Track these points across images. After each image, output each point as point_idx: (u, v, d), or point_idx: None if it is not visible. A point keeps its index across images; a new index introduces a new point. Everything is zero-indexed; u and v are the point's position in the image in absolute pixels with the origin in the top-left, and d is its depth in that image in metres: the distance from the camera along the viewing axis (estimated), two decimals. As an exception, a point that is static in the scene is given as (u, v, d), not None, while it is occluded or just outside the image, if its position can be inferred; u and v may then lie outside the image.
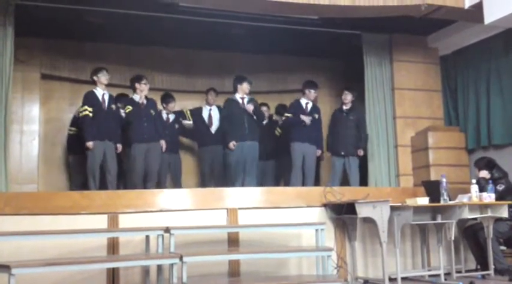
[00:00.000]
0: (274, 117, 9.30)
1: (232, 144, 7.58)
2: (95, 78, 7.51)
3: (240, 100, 7.82)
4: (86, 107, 7.37)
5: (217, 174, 8.64)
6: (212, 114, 8.81)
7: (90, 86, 7.67)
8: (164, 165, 8.23)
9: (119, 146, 7.55)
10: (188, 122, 8.78)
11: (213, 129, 8.77)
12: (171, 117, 8.73)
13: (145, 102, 7.66)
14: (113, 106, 7.58)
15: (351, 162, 8.20)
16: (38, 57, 8.60)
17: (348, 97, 8.39)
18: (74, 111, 8.68)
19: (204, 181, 8.74)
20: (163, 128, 8.09)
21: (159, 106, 8.53)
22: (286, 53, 9.58)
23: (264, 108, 8.97)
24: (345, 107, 8.43)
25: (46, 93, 8.84)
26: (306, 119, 8.05)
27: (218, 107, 8.83)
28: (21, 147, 8.29)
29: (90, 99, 7.42)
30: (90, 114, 7.34)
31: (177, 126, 8.79)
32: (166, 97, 8.76)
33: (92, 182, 7.20)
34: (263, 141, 8.33)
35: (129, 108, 7.57)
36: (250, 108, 7.75)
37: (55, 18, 7.75)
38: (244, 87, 7.81)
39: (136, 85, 7.69)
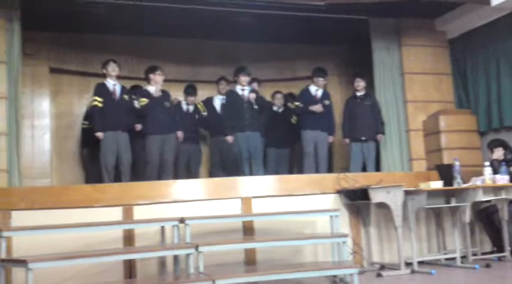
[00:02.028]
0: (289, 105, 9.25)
1: (229, 138, 7.67)
2: (104, 71, 7.50)
3: (240, 92, 7.84)
4: (95, 97, 7.37)
5: (228, 163, 8.63)
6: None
7: (99, 79, 7.67)
8: (184, 156, 8.23)
9: (138, 126, 7.52)
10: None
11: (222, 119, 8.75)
12: (191, 108, 8.72)
13: (160, 93, 7.62)
14: (126, 96, 7.55)
15: (370, 147, 8.18)
16: (45, 51, 8.59)
17: (360, 84, 8.34)
18: (84, 104, 8.70)
19: (214, 172, 8.72)
20: (182, 119, 8.07)
21: (180, 97, 8.62)
22: (293, 41, 9.52)
23: (278, 96, 8.96)
24: (358, 94, 8.37)
25: (55, 87, 8.84)
26: (316, 108, 8.02)
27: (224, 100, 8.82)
28: (33, 141, 8.30)
29: (101, 90, 7.41)
30: (100, 105, 7.32)
31: (197, 116, 8.77)
32: (189, 89, 8.77)
33: (105, 174, 7.19)
34: (278, 129, 8.32)
35: (144, 100, 7.52)
36: (252, 96, 7.74)
37: (61, 11, 7.72)
38: (242, 79, 7.85)
39: (151, 76, 7.65)
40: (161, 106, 7.62)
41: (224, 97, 8.66)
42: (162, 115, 7.58)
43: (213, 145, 8.86)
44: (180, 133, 7.80)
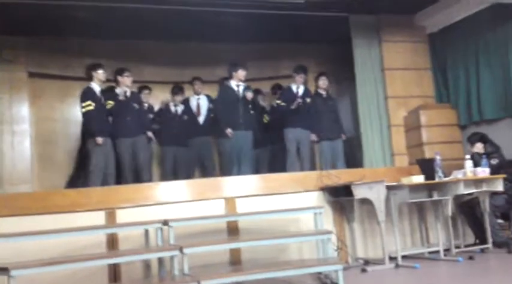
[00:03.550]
0: (261, 104, 9.26)
1: (229, 132, 7.51)
2: (94, 73, 7.37)
3: (236, 88, 7.73)
4: (89, 102, 7.22)
5: (207, 165, 8.64)
6: (200, 104, 8.80)
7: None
8: (170, 158, 8.25)
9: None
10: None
11: (201, 119, 8.76)
12: (179, 108, 8.68)
13: (128, 95, 7.55)
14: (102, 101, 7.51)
15: (339, 145, 8.25)
16: (23, 56, 8.54)
17: (326, 82, 8.42)
18: (64, 108, 8.66)
19: (189, 174, 8.66)
20: (168, 120, 8.01)
21: (168, 97, 8.66)
22: (275, 40, 9.53)
23: (260, 96, 8.98)
24: (321, 92, 8.43)
25: (34, 92, 8.76)
26: (295, 105, 8.02)
27: (207, 96, 8.80)
28: (13, 147, 8.23)
29: (91, 94, 7.29)
30: (94, 109, 7.21)
31: (186, 117, 8.73)
32: (175, 89, 8.77)
33: (95, 180, 7.09)
34: (256, 129, 8.33)
35: (111, 103, 7.47)
36: (249, 96, 7.66)
37: (39, 15, 7.67)
38: (240, 74, 7.70)
39: (119, 78, 7.61)
40: (129, 108, 7.55)
41: (200, 96, 8.66)
42: (130, 117, 7.51)
43: (191, 147, 8.77)
44: (150, 134, 7.77)
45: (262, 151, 8.90)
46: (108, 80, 8.10)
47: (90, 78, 7.42)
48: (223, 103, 7.72)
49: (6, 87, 8.22)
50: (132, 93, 7.71)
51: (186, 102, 8.95)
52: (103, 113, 7.37)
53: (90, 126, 7.28)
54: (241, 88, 7.72)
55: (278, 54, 9.87)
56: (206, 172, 8.59)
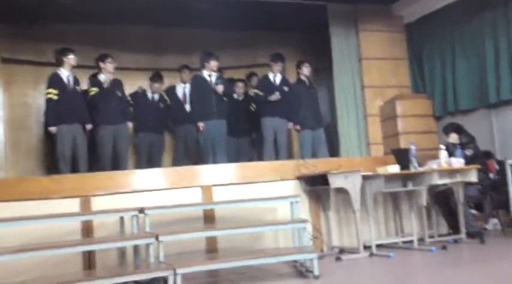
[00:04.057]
0: (250, 93, 9.24)
1: (201, 127, 7.52)
2: (64, 59, 7.22)
3: (208, 78, 7.70)
4: (50, 90, 7.13)
5: (192, 152, 8.61)
6: (187, 92, 8.73)
7: (54, 68, 7.47)
8: (145, 146, 8.17)
9: (88, 126, 7.36)
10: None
11: (188, 106, 8.70)
12: (156, 96, 8.63)
13: (109, 82, 7.45)
14: (78, 88, 7.40)
15: (321, 135, 8.23)
16: (-4, 41, 8.38)
17: (309, 70, 8.35)
18: (38, 94, 8.54)
19: (178, 160, 8.65)
20: (145, 108, 7.97)
21: (145, 86, 8.55)
22: (253, 28, 9.50)
23: (239, 84, 8.93)
24: (304, 79, 8.37)
25: (8, 77, 8.58)
26: (274, 98, 8.00)
27: (190, 85, 8.74)
28: (-14, 133, 8.12)
29: (56, 81, 7.17)
30: (55, 97, 7.10)
31: (162, 105, 8.68)
32: (154, 77, 8.67)
33: (63, 167, 7.04)
34: (238, 118, 8.30)
35: (94, 90, 7.39)
36: (219, 89, 7.63)
37: (11, 1, 7.51)
38: (212, 64, 7.66)
39: (101, 64, 7.49)
40: (112, 95, 7.48)
41: (186, 85, 8.61)
42: (113, 104, 7.45)
43: (178, 134, 8.77)
44: (129, 124, 7.72)
45: (243, 141, 8.90)
46: (81, 66, 8.02)
47: (59, 64, 7.26)
48: (198, 95, 7.69)
49: (-21, 73, 8.06)
50: (114, 80, 7.59)
51: (172, 89, 8.88)
52: (70, 99, 7.21)
53: (46, 115, 7.25)
54: (213, 78, 7.69)
55: (255, 42, 9.83)
56: (192, 157, 8.54)
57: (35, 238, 5.22)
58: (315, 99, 8.39)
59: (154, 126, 8.39)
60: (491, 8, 7.77)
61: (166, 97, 8.84)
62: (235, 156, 8.48)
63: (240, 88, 8.96)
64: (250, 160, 8.73)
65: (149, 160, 8.45)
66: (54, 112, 7.12)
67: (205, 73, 7.72)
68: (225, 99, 7.79)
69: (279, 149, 7.98)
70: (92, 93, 7.40)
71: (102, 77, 7.48)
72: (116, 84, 7.63)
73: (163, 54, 9.48)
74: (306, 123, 8.19)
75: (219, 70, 8.32)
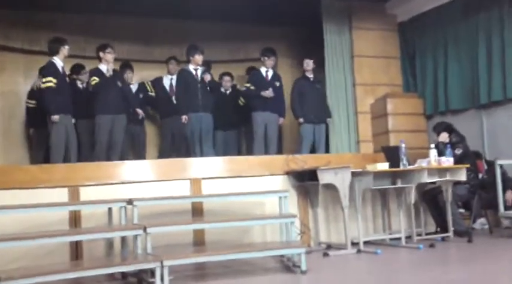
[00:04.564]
0: (238, 87, 9.23)
1: (184, 119, 7.53)
2: (61, 48, 7.13)
3: (194, 71, 7.69)
4: (50, 78, 7.01)
5: (179, 144, 8.59)
6: (174, 84, 8.71)
7: (46, 57, 7.43)
8: (128, 137, 8.15)
9: (55, 117, 7.11)
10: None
11: (175, 98, 8.68)
12: (134, 87, 8.58)
13: (111, 72, 7.43)
14: (67, 78, 7.38)
15: (321, 129, 8.24)
16: (-13, 28, 8.32)
17: (310, 63, 8.34)
18: (29, 83, 8.47)
19: (165, 152, 8.65)
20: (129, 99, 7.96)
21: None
22: (246, 22, 9.45)
23: (226, 78, 8.92)
24: (309, 75, 8.37)
25: (-1, 65, 8.59)
26: (267, 94, 8.00)
27: (176, 79, 8.72)
28: (-24, 121, 8.09)
29: (53, 70, 7.09)
30: (54, 86, 7.01)
31: (141, 95, 8.65)
32: (123, 67, 8.58)
33: (56, 157, 6.97)
34: (226, 111, 8.30)
35: (95, 79, 7.34)
36: (207, 77, 7.64)
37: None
38: (197, 58, 7.65)
39: (101, 54, 7.45)
40: (113, 85, 7.46)
41: (173, 77, 8.59)
42: (113, 94, 7.43)
43: (164, 126, 8.77)
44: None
45: (231, 134, 8.90)
46: (75, 56, 7.98)
47: (54, 53, 7.17)
48: (183, 88, 7.70)
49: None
50: (115, 70, 7.58)
51: (159, 81, 8.86)
52: (65, 90, 7.19)
53: (46, 103, 7.10)
54: (199, 72, 7.69)
55: (248, 36, 9.81)
56: (178, 151, 8.54)
57: (23, 227, 5.22)
58: (318, 95, 8.35)
59: (134, 117, 8.30)
60: (485, 9, 7.80)
61: (149, 87, 8.82)
62: (222, 149, 8.49)
63: (227, 81, 8.93)
64: (238, 153, 8.73)
65: (133, 152, 8.45)
66: (55, 101, 7.04)
67: (191, 67, 7.72)
68: (222, 90, 7.81)
69: (269, 144, 7.99)
70: (94, 82, 7.35)
71: (102, 67, 7.44)
72: (117, 74, 7.61)
73: (155, 46, 9.45)
74: (308, 118, 8.19)
75: (208, 63, 8.35)
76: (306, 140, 8.17)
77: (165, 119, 8.72)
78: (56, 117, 6.99)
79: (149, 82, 8.89)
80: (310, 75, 8.37)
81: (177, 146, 8.57)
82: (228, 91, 8.93)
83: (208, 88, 7.73)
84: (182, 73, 7.80)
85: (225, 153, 8.21)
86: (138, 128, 8.56)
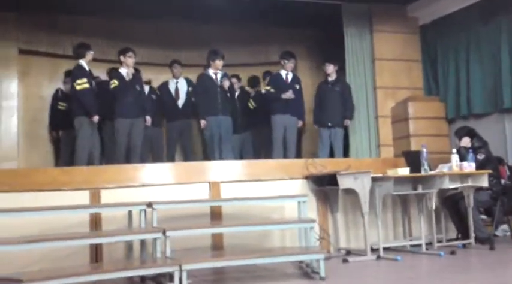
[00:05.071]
0: (247, 89, 9.22)
1: (202, 124, 7.57)
2: (87, 52, 7.27)
3: (213, 76, 7.72)
4: (84, 80, 7.17)
5: (186, 148, 8.63)
6: (179, 87, 8.78)
7: (70, 61, 7.57)
8: (147, 140, 8.20)
9: (95, 118, 7.31)
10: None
11: (180, 102, 8.75)
12: (147, 89, 8.60)
13: (131, 76, 7.49)
14: (93, 82, 7.46)
15: (337, 133, 8.21)
16: (14, 32, 8.46)
17: (330, 68, 8.35)
18: (54, 86, 8.57)
19: (171, 156, 8.67)
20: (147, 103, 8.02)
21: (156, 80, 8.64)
22: (266, 24, 9.50)
23: (233, 80, 8.91)
24: (329, 79, 8.38)
25: (24, 68, 8.71)
26: (288, 95, 7.98)
27: (186, 79, 8.77)
28: (0, 123, 8.19)
29: (84, 72, 7.24)
30: (88, 86, 7.18)
31: (154, 97, 8.69)
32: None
33: (82, 159, 7.07)
34: (236, 114, 8.31)
35: (115, 82, 7.42)
36: (226, 84, 7.66)
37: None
38: (217, 63, 7.69)
39: (121, 58, 7.54)
40: (132, 89, 7.53)
41: (178, 80, 8.65)
42: (132, 98, 7.50)
43: (170, 131, 8.78)
44: (149, 119, 7.73)
45: (245, 136, 8.90)
46: (103, 60, 8.09)
47: (80, 57, 7.30)
48: (203, 93, 7.73)
49: (-4, 63, 8.15)
50: (134, 74, 7.63)
51: (165, 85, 8.90)
52: (92, 92, 7.32)
53: (85, 104, 7.19)
54: (219, 76, 7.72)
55: (268, 39, 9.84)
56: (186, 155, 8.57)
57: (44, 229, 5.26)
58: (336, 99, 8.32)
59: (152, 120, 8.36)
60: (507, 12, 7.71)
61: (157, 91, 8.89)
62: (238, 152, 8.50)
63: (234, 84, 8.92)
64: (254, 156, 8.71)
65: (151, 154, 8.49)
66: (93, 101, 7.18)
67: (210, 71, 7.76)
68: (236, 93, 7.88)
69: (288, 147, 7.98)
70: (113, 85, 7.43)
71: (122, 70, 7.52)
72: (136, 78, 7.68)
73: (175, 49, 9.49)
74: (324, 122, 8.20)
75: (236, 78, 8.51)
76: (323, 144, 8.18)
77: (171, 123, 8.76)
78: (96, 118, 7.16)
79: (155, 87, 8.95)
80: (330, 79, 8.36)
81: (185, 150, 8.62)
82: (236, 94, 8.92)
83: (228, 94, 7.73)
84: (202, 78, 7.84)
85: (241, 156, 8.24)
86: (157, 130, 8.59)
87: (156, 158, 8.42)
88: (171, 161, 8.28)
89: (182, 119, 8.54)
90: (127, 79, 7.46)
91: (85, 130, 7.19)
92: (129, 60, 7.53)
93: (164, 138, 8.87)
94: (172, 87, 8.84)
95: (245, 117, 8.76)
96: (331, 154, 8.07)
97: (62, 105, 8.37)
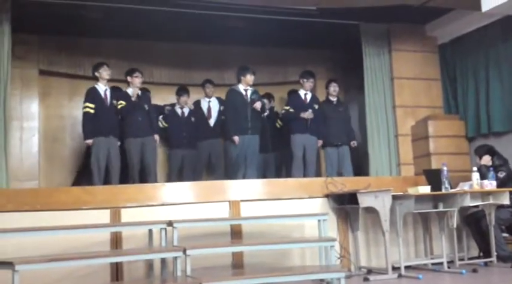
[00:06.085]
0: (276, 109, 9.26)
1: (236, 139, 7.47)
2: (96, 74, 7.47)
3: (244, 92, 7.69)
4: (87, 104, 7.36)
5: (216, 167, 8.64)
6: (211, 106, 8.81)
7: (89, 81, 7.68)
8: (177, 162, 8.31)
9: (118, 142, 7.55)
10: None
11: (212, 121, 8.76)
12: (186, 111, 8.68)
13: (137, 96, 7.60)
14: (114, 101, 7.57)
15: (345, 152, 8.24)
16: (35, 53, 8.59)
17: (336, 89, 8.46)
18: (73, 107, 8.70)
19: (201, 176, 8.70)
20: (176, 122, 8.14)
21: (174, 100, 8.61)
22: (285, 45, 9.53)
23: (265, 100, 8.94)
24: (332, 98, 8.46)
25: (44, 89, 8.83)
26: (307, 115, 7.99)
27: (218, 98, 8.81)
28: (22, 143, 8.28)
29: (92, 95, 7.40)
30: (92, 111, 7.32)
31: (193, 119, 8.73)
32: (180, 91, 8.75)
33: (96, 178, 7.18)
34: (265, 133, 8.31)
35: (122, 103, 7.53)
36: (258, 106, 7.63)
37: (51, 14, 7.71)
38: (248, 78, 7.66)
39: (128, 78, 7.68)
40: (140, 108, 7.61)
41: (210, 99, 8.70)
42: (140, 118, 7.58)
43: (201, 150, 8.77)
44: (156, 137, 7.76)
45: (270, 156, 8.89)
46: (115, 80, 8.14)
47: (95, 78, 7.50)
48: (232, 109, 7.70)
49: (18, 84, 8.28)
50: (142, 93, 7.77)
51: (197, 104, 8.94)
52: (107, 113, 7.42)
53: (83, 127, 7.46)
54: (249, 93, 7.70)
55: (287, 59, 9.87)
56: (215, 174, 8.58)
57: (65, 248, 5.30)
58: (341, 118, 8.39)
59: (186, 141, 8.44)
60: (526, 30, 7.70)
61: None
62: (262, 172, 8.48)
63: (265, 104, 8.96)
64: (277, 176, 8.71)
65: (180, 175, 8.50)
66: (91, 125, 7.32)
67: (240, 87, 7.73)
68: (264, 114, 7.91)
69: (308, 166, 7.97)
70: (120, 106, 7.53)
71: (129, 91, 7.62)
72: (144, 97, 7.76)
73: (194, 70, 9.56)
74: (331, 141, 8.22)
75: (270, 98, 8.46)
76: (330, 163, 8.19)
77: (202, 142, 8.74)
78: (89, 141, 7.28)
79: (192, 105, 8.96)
80: (333, 99, 8.42)
81: (214, 169, 8.63)
82: (265, 114, 8.95)
83: (259, 112, 7.74)
84: (231, 93, 7.78)
85: (264, 176, 8.22)
86: (189, 152, 8.59)
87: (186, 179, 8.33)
88: (199, 179, 8.30)
89: (213, 138, 8.55)
90: (134, 99, 7.54)
91: (96, 150, 7.29)
92: (136, 80, 7.66)
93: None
94: (204, 106, 8.88)
95: (272, 136, 8.75)
96: (338, 173, 8.03)
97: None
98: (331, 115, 8.34)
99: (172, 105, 8.69)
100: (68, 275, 5.31)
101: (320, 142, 8.23)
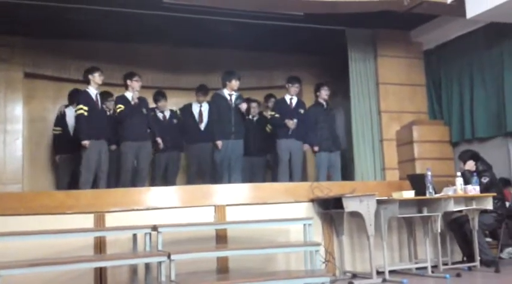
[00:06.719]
0: (265, 113, 9.27)
1: (219, 144, 7.51)
2: (90, 76, 7.36)
3: (228, 97, 7.70)
4: (81, 106, 7.27)
5: (205, 171, 8.63)
6: (203, 110, 8.79)
7: (75, 85, 7.63)
8: (161, 164, 8.29)
9: (112, 147, 7.59)
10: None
11: (203, 126, 8.74)
12: (167, 114, 8.67)
13: (137, 100, 7.57)
14: (104, 105, 7.57)
15: (336, 157, 8.24)
16: (20, 56, 8.55)
17: (328, 92, 8.40)
18: (58, 110, 8.62)
19: (191, 179, 8.68)
20: (160, 127, 8.08)
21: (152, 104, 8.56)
22: (272, 50, 9.58)
23: (253, 104, 8.95)
24: (322, 102, 8.41)
25: (29, 92, 8.78)
26: (290, 124, 7.97)
27: (209, 103, 8.81)
28: (5, 146, 8.23)
29: (85, 98, 7.33)
30: (86, 113, 7.24)
31: (175, 121, 8.72)
32: (156, 96, 8.71)
33: (87, 181, 7.12)
34: (253, 138, 8.32)
35: (121, 107, 7.50)
36: (243, 107, 7.64)
37: (37, 16, 7.70)
38: (233, 83, 7.67)
39: (128, 82, 7.62)
40: (138, 113, 7.59)
41: (202, 104, 8.68)
42: (138, 122, 7.56)
43: (191, 153, 8.80)
44: (160, 140, 7.78)
45: (257, 160, 8.90)
46: (105, 84, 8.10)
47: (88, 82, 7.41)
48: (217, 114, 7.71)
49: (2, 86, 8.25)
50: (140, 97, 7.71)
51: (187, 107, 8.94)
52: (98, 116, 7.37)
53: (77, 129, 7.39)
54: (233, 98, 7.71)
55: (273, 64, 9.90)
56: (203, 178, 8.57)
57: (48, 252, 5.24)
58: (332, 122, 8.41)
59: (172, 144, 8.42)
60: (509, 37, 7.76)
61: (179, 113, 8.90)
62: (249, 176, 8.48)
63: (254, 108, 8.98)
64: (264, 180, 8.72)
65: (164, 178, 8.48)
66: (86, 127, 7.24)
67: (225, 92, 7.73)
68: (249, 117, 7.93)
69: (294, 171, 7.97)
70: (119, 110, 7.51)
71: (128, 95, 7.59)
72: (142, 102, 7.74)
73: (181, 74, 9.56)
74: (323, 145, 8.21)
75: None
76: (320, 168, 8.19)
77: (192, 146, 8.75)
78: (85, 143, 7.15)
79: (178, 110, 8.97)
80: (324, 102, 8.41)
81: (203, 173, 8.62)
82: (255, 118, 8.97)
83: (243, 116, 7.74)
84: (216, 98, 7.80)
85: (251, 180, 8.22)
86: (173, 154, 8.61)
87: (169, 183, 8.34)
88: (189, 183, 8.28)
89: (203, 142, 8.54)
90: (132, 103, 7.51)
91: (89, 153, 7.21)
92: (136, 84, 7.61)
93: (180, 164, 8.85)
94: (195, 110, 8.87)
95: (260, 141, 8.76)
96: (328, 178, 8.05)
97: (56, 130, 8.45)
98: (322, 119, 8.31)
99: (152, 110, 8.64)
100: (52, 280, 5.26)
101: (306, 146, 8.24)
